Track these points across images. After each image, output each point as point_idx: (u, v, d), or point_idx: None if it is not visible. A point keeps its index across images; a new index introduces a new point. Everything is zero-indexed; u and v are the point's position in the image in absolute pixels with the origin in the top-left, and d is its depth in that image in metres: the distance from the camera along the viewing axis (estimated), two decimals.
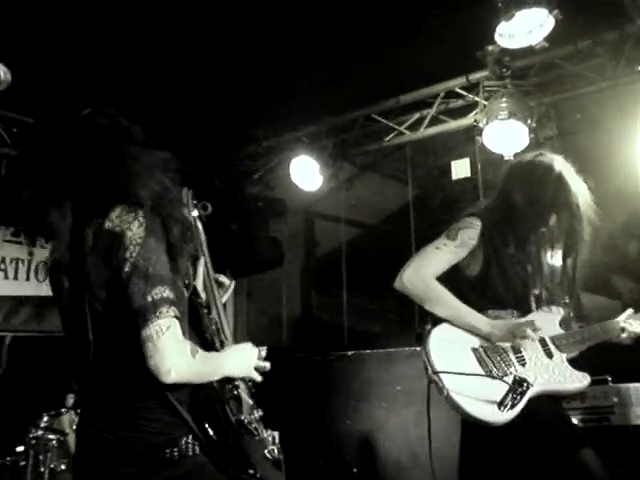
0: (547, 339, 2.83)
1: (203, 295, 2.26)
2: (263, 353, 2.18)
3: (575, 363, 2.84)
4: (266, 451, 2.09)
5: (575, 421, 4.30)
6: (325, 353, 5.92)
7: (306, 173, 6.19)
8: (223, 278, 2.43)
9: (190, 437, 1.91)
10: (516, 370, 2.67)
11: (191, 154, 6.16)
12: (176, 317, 1.85)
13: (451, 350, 2.71)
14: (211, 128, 5.94)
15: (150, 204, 1.96)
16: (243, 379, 2.11)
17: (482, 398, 2.55)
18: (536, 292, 2.95)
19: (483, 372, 2.65)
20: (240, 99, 5.52)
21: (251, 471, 1.98)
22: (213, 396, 2.01)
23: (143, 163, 2.07)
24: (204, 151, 6.31)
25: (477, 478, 2.76)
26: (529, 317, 2.83)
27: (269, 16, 4.66)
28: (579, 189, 2.89)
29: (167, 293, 1.85)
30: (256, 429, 2.09)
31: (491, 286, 2.87)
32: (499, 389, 2.55)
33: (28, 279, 6.04)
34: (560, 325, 2.93)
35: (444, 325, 2.79)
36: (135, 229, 1.89)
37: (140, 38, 4.73)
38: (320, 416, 5.56)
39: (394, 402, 5.32)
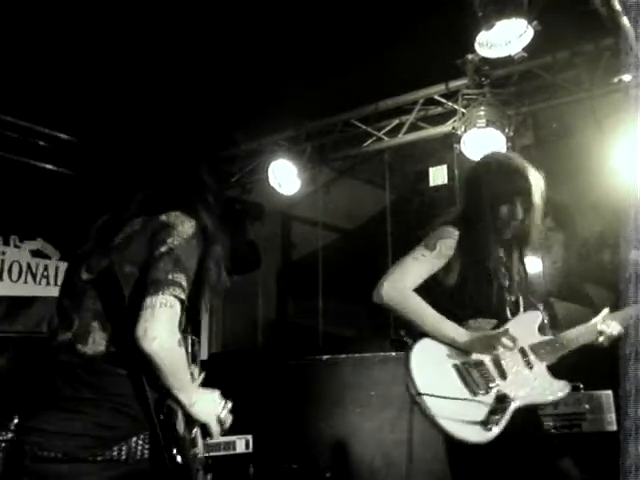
0: (527, 348, 2.82)
1: None
2: (229, 405, 2.17)
3: (553, 370, 2.84)
4: None
5: (547, 427, 4.34)
6: (300, 357, 5.91)
7: (284, 177, 6.18)
8: None
9: (142, 438, 1.91)
10: (497, 385, 2.65)
11: (169, 156, 6.14)
12: (182, 303, 1.94)
13: (433, 368, 2.69)
14: (190, 130, 5.91)
15: (206, 225, 2.15)
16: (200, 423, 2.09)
17: (466, 419, 2.54)
18: (512, 299, 2.94)
19: (466, 390, 2.64)
20: (220, 102, 5.51)
21: None
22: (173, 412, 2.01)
23: (212, 206, 2.28)
24: (182, 153, 6.27)
25: None
26: (507, 325, 2.80)
27: (250, 20, 4.66)
28: (538, 183, 2.91)
29: (184, 283, 1.96)
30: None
31: (468, 295, 2.85)
32: (482, 408, 2.55)
33: (1, 279, 5.96)
34: (539, 331, 2.91)
35: (425, 341, 2.76)
36: (185, 227, 2.05)
37: (120, 42, 4.71)
38: (294, 420, 5.54)
39: (368, 407, 5.32)
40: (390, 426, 5.13)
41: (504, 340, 2.66)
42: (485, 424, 2.51)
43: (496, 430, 2.52)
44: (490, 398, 2.58)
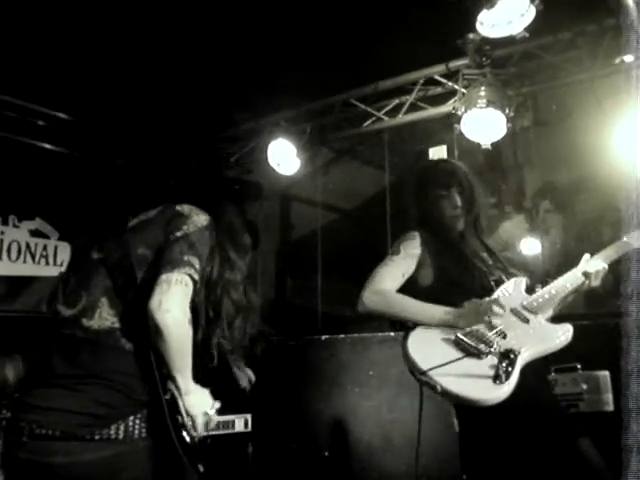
0: (518, 308, 2.86)
1: None
2: (217, 405, 2.19)
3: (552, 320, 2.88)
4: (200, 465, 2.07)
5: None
6: (299, 337, 5.94)
7: (283, 157, 6.17)
8: None
9: (138, 417, 1.93)
10: (499, 344, 2.67)
11: (169, 136, 6.13)
12: (194, 284, 1.99)
13: (430, 348, 2.70)
14: (189, 110, 5.89)
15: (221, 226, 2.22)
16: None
17: (475, 379, 2.54)
18: (494, 278, 3.00)
19: (469, 357, 2.65)
20: (219, 82, 5.48)
21: (201, 468, 2.00)
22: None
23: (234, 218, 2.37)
24: (182, 133, 6.26)
25: (479, 462, 2.77)
26: (493, 295, 2.87)
27: (250, 1, 4.63)
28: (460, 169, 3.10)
29: (198, 266, 2.01)
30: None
31: (453, 283, 2.92)
32: (488, 365, 2.56)
33: (0, 259, 5.96)
34: (527, 292, 2.96)
35: (417, 329, 2.80)
36: (200, 218, 2.13)
37: (121, 21, 4.68)
38: (293, 400, 5.58)
39: (366, 386, 5.36)
40: (388, 406, 5.17)
41: (494, 307, 2.71)
42: (496, 378, 2.51)
43: (508, 384, 2.50)
44: (495, 357, 2.59)
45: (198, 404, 2.10)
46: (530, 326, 2.80)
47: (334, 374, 5.51)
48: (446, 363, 2.55)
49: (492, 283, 2.97)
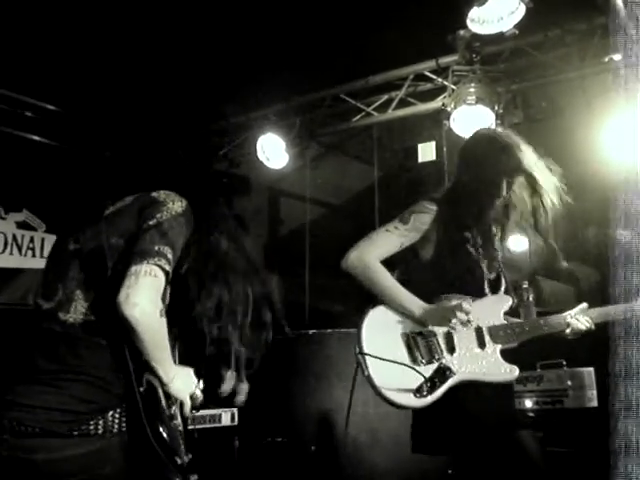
0: (484, 329, 2.81)
1: None
2: (201, 385, 2.18)
3: (507, 355, 2.82)
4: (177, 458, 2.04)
5: (530, 403, 4.41)
6: (286, 332, 5.93)
7: (272, 151, 6.16)
8: None
9: (118, 412, 1.91)
10: (443, 357, 2.69)
11: (158, 129, 6.10)
12: (166, 275, 1.93)
13: (382, 333, 2.74)
14: (179, 103, 5.87)
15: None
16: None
17: (400, 384, 2.59)
18: (491, 277, 2.95)
19: (408, 357, 2.68)
20: (209, 75, 5.46)
21: (179, 460, 1.99)
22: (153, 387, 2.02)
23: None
24: (170, 125, 6.24)
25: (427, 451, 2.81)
26: (476, 302, 2.83)
27: None
28: (529, 156, 2.85)
29: (170, 256, 1.95)
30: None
31: (444, 270, 2.87)
32: (418, 377, 2.57)
33: None
34: (505, 314, 2.89)
35: (380, 308, 2.81)
36: (175, 205, 2.06)
37: (111, 13, 4.66)
38: (280, 394, 5.58)
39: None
40: (375, 401, 5.15)
41: (458, 313, 2.69)
42: (417, 392, 2.54)
43: (426, 400, 2.56)
44: (430, 369, 2.61)
45: (183, 388, 2.08)
46: (482, 353, 2.78)
47: (321, 369, 5.51)
48: (382, 359, 2.59)
49: (484, 284, 2.93)
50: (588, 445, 4.02)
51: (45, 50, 5.00)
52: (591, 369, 4.28)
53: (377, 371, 2.61)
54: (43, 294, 2.05)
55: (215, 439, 5.02)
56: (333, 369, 5.46)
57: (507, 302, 2.92)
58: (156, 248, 1.93)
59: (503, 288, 2.98)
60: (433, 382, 2.55)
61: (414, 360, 2.68)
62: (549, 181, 2.85)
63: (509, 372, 2.77)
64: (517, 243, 3.42)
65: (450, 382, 2.61)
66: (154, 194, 2.11)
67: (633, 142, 3.80)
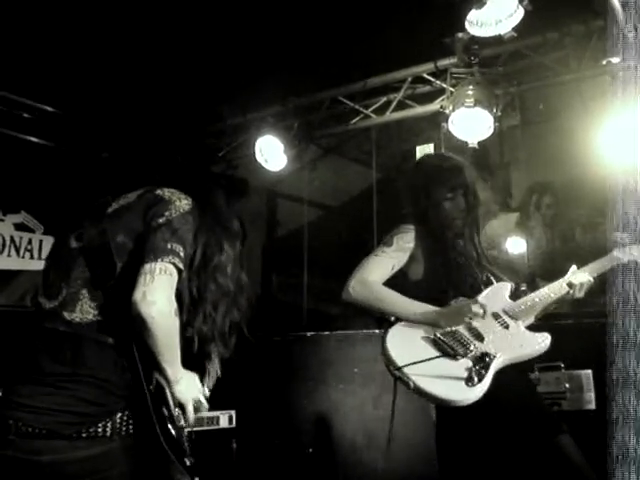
0: (499, 312, 2.88)
1: None
2: (206, 391, 2.18)
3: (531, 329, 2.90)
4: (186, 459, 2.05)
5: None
6: (284, 334, 5.93)
7: (270, 153, 6.15)
8: None
9: (126, 413, 1.91)
10: (475, 346, 2.70)
11: (155, 130, 6.10)
12: (179, 273, 1.93)
13: (408, 344, 2.74)
14: (177, 104, 5.86)
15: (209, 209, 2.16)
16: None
17: (448, 379, 2.58)
18: (483, 277, 3.03)
19: (446, 357, 2.68)
20: (207, 77, 5.46)
21: (187, 462, 1.98)
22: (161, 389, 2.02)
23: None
24: (168, 127, 6.24)
25: (455, 461, 2.78)
26: (477, 297, 2.89)
27: None
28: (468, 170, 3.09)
29: (182, 254, 1.95)
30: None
31: (443, 280, 2.93)
32: (463, 367, 2.59)
33: None
34: (510, 298, 2.98)
35: (397, 325, 2.84)
36: (182, 202, 2.05)
37: (109, 15, 4.65)
38: (277, 396, 5.58)
39: (351, 384, 5.36)
40: (372, 403, 5.18)
41: (474, 308, 2.75)
42: (468, 380, 2.54)
43: (480, 387, 2.55)
44: (470, 359, 2.63)
45: (188, 391, 2.07)
46: (509, 332, 2.83)
47: (319, 371, 5.51)
48: (421, 361, 2.58)
49: (480, 284, 3.00)
50: (586, 447, 4.02)
51: (43, 52, 4.99)
52: (589, 371, 4.28)
53: (421, 379, 2.59)
54: (45, 293, 2.03)
55: (213, 441, 5.01)
56: (331, 371, 5.46)
57: (507, 287, 3.02)
58: (169, 246, 1.92)
59: (496, 280, 3.06)
60: (478, 370, 2.56)
61: (451, 356, 2.67)
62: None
63: (544, 339, 2.81)
64: (514, 246, 3.44)
65: (494, 365, 2.62)
66: (158, 191, 2.10)
67: (631, 145, 3.80)
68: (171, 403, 2.01)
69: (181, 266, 1.93)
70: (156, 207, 2.03)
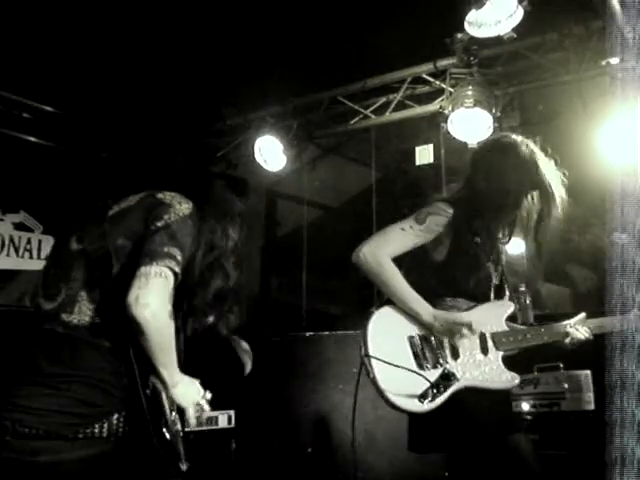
0: (487, 335, 2.83)
1: None
2: (208, 396, 2.17)
3: (508, 361, 2.85)
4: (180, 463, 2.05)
5: (527, 406, 4.41)
6: (283, 334, 5.93)
7: (270, 153, 6.16)
8: None
9: (122, 415, 1.91)
10: (447, 362, 2.70)
11: (155, 130, 6.10)
12: (175, 277, 1.92)
13: (388, 335, 2.74)
14: (176, 104, 5.86)
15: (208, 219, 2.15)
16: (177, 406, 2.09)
17: (405, 389, 2.59)
18: (496, 282, 2.98)
19: (414, 362, 2.68)
20: (207, 77, 5.46)
21: (182, 466, 1.98)
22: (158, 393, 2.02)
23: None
24: (168, 127, 6.24)
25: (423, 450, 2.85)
26: (477, 309, 2.86)
27: None
28: (549, 169, 2.89)
29: (179, 258, 1.94)
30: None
31: (453, 274, 2.88)
32: (424, 382, 2.58)
33: None
34: (507, 320, 2.92)
35: (387, 308, 2.80)
36: (182, 206, 2.05)
37: (109, 14, 4.66)
38: (276, 396, 5.57)
39: (350, 384, 5.33)
40: (372, 403, 5.16)
41: (464, 330, 2.69)
42: (421, 397, 2.55)
43: (429, 406, 2.56)
44: (435, 374, 2.61)
45: (187, 395, 2.08)
46: (485, 359, 2.79)
47: (318, 371, 5.50)
48: (389, 363, 2.59)
49: (492, 289, 2.96)
50: (585, 448, 4.03)
51: (42, 51, 4.99)
52: (588, 372, 4.28)
53: (382, 374, 2.61)
54: (44, 294, 2.03)
55: (212, 442, 5.01)
56: (330, 371, 5.45)
57: (509, 308, 2.95)
58: (165, 250, 1.92)
59: (507, 294, 3.02)
60: (438, 388, 2.56)
61: (419, 365, 2.68)
62: (560, 194, 2.88)
63: (510, 380, 2.79)
64: (514, 246, 3.43)
65: (454, 388, 2.62)
66: (159, 195, 2.10)
67: (630, 145, 3.81)
68: (167, 407, 2.01)
69: (177, 270, 1.93)
70: (156, 210, 2.03)
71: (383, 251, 2.78)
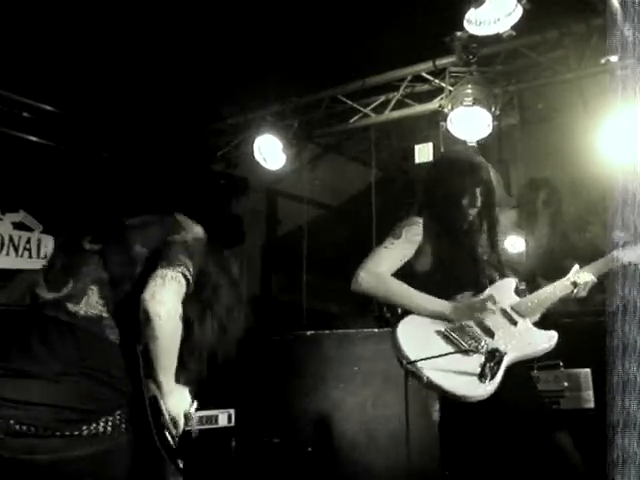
0: (508, 309, 2.91)
1: None
2: (195, 405, 2.19)
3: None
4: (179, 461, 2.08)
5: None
6: (283, 333, 5.93)
7: (270, 152, 6.15)
8: None
9: (124, 411, 1.90)
10: (486, 342, 2.72)
11: (155, 129, 6.10)
12: (187, 285, 2.00)
13: (419, 338, 2.75)
14: (176, 104, 5.86)
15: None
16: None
17: (462, 375, 2.60)
18: (487, 273, 3.05)
19: (456, 350, 2.71)
20: (206, 76, 5.46)
21: (180, 463, 2.00)
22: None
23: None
24: (168, 126, 6.24)
25: (458, 457, 2.82)
26: (486, 291, 2.94)
27: None
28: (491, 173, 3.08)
29: (191, 269, 2.03)
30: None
31: (449, 274, 2.95)
32: (475, 362, 2.60)
33: None
34: (516, 293, 3.01)
35: (408, 318, 2.85)
36: (198, 229, 2.19)
37: (109, 14, 4.65)
38: (277, 395, 5.57)
39: (351, 382, 5.36)
40: (373, 402, 5.17)
41: (488, 304, 2.78)
42: (481, 377, 2.56)
43: (493, 383, 2.56)
44: (482, 355, 2.64)
45: (178, 404, 2.09)
46: (517, 329, 2.85)
47: (319, 370, 5.50)
48: (436, 356, 2.59)
49: (486, 280, 3.02)
50: (585, 446, 4.02)
51: (43, 51, 4.99)
52: (588, 370, 4.28)
53: (434, 374, 2.60)
54: (47, 285, 2.05)
55: (212, 440, 5.01)
56: (330, 370, 5.45)
57: (512, 283, 3.05)
58: (181, 258, 2.02)
59: (498, 276, 3.09)
60: (491, 366, 2.57)
61: (463, 352, 2.69)
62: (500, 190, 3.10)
63: (550, 338, 2.85)
64: (514, 244, 3.46)
65: (506, 361, 2.64)
66: (178, 216, 2.21)
67: (630, 143, 3.80)
68: (165, 412, 2.03)
69: (190, 278, 2.01)
70: (174, 226, 2.15)
71: (380, 270, 2.88)
